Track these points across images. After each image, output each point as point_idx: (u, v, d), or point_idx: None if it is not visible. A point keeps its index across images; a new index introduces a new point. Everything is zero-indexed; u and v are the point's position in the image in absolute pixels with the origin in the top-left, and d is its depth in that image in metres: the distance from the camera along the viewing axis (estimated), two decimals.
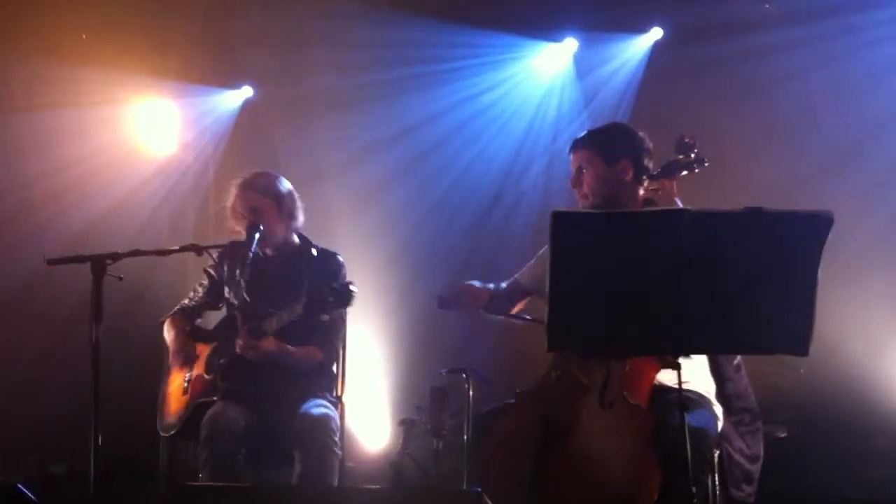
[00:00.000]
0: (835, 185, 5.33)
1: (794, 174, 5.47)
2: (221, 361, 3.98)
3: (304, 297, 3.83)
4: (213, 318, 4.40)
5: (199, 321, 4.33)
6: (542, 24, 6.21)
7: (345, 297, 3.73)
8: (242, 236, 4.08)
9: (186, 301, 4.32)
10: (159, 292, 5.16)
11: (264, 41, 6.32)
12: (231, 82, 6.67)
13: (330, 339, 4.10)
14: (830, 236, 2.51)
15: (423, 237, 6.36)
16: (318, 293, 3.80)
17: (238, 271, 4.14)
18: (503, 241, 6.14)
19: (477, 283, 3.63)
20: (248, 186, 4.16)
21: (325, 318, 3.88)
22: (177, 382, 4.16)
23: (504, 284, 3.72)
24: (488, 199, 6.39)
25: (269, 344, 3.90)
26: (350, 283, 3.78)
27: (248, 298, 4.05)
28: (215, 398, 3.93)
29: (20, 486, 3.05)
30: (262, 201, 4.11)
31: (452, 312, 3.85)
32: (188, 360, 4.12)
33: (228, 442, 3.77)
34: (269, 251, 4.17)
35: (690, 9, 5.85)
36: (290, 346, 3.97)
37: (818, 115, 5.63)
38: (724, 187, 4.62)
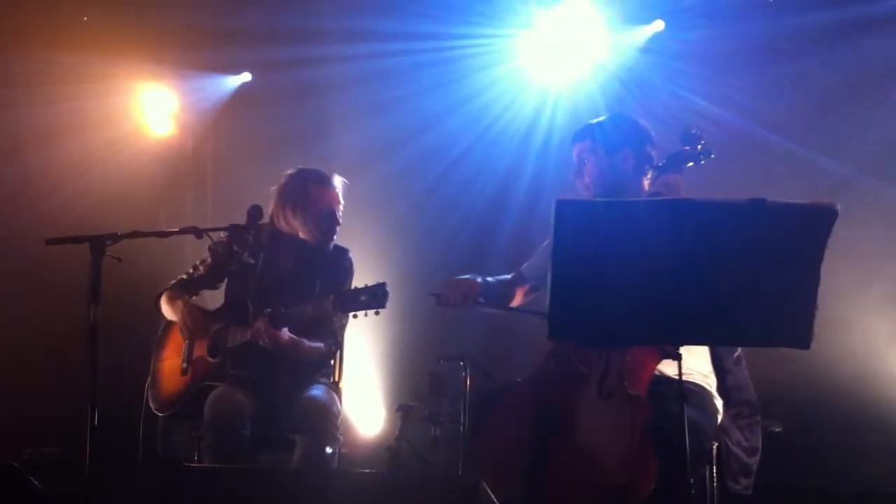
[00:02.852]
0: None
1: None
2: (230, 347, 3.96)
3: (327, 293, 3.80)
4: (205, 298, 4.36)
5: (194, 298, 4.27)
6: None
7: (380, 297, 3.63)
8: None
9: (185, 276, 4.25)
10: (156, 274, 5.13)
11: (263, 24, 6.23)
12: (230, 68, 6.62)
13: (335, 332, 4.11)
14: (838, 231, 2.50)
15: (423, 218, 6.19)
16: (351, 291, 3.75)
17: (247, 255, 4.13)
18: (512, 226, 5.87)
19: (470, 277, 3.59)
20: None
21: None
22: (171, 361, 4.14)
23: (509, 277, 3.71)
24: (495, 181, 6.07)
25: (284, 336, 3.89)
26: (384, 283, 3.67)
27: (260, 288, 4.04)
28: (217, 383, 3.91)
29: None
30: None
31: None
32: (199, 333, 4.03)
33: (234, 425, 3.76)
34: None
35: None
36: (300, 340, 3.95)
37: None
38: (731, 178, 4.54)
